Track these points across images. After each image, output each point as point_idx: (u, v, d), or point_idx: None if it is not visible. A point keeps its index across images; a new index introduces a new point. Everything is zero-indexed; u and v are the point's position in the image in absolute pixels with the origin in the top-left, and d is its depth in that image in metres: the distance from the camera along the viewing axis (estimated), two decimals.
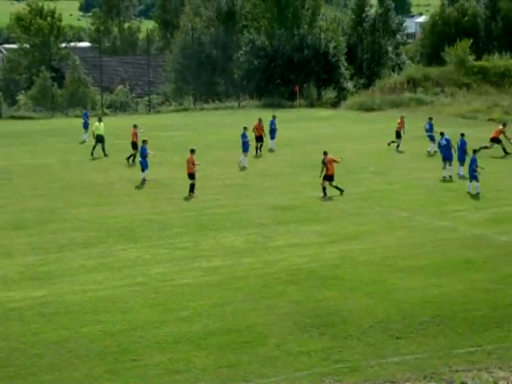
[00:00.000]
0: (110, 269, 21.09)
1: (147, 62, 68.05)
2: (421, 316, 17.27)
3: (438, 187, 31.39)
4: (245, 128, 37.01)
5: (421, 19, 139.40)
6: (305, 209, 27.90)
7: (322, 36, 67.48)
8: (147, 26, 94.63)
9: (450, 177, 32.76)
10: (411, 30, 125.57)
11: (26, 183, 33.40)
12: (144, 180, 32.79)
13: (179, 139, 44.79)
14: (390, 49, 74.84)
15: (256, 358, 15.26)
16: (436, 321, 17.01)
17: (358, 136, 46.17)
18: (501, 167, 33.77)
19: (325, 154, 29.95)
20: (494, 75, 65.23)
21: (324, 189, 29.62)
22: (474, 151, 29.93)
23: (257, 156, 38.88)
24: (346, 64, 69.03)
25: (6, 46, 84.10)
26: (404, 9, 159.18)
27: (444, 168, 32.97)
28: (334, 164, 29.90)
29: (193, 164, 30.20)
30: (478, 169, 29.24)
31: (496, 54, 70.08)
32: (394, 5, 77.29)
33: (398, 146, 40.30)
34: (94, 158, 39.10)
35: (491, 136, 38.56)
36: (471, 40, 67.78)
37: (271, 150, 40.77)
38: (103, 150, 39.83)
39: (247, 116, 52.91)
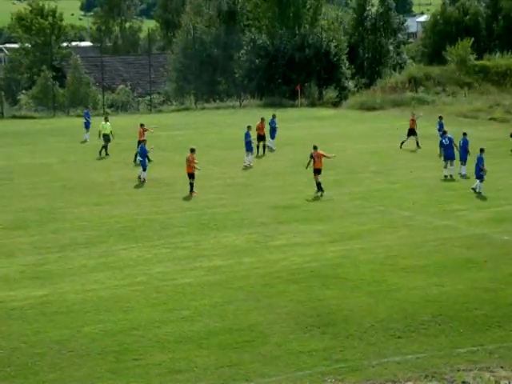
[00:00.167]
0: (111, 268, 21.10)
1: (148, 61, 68.05)
2: (422, 315, 17.27)
3: (439, 186, 31.37)
4: (248, 127, 37.02)
5: (422, 18, 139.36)
6: (306, 208, 27.90)
7: (324, 35, 67.44)
8: (148, 25, 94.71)
9: (451, 176, 32.75)
10: (412, 30, 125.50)
11: (26, 183, 33.41)
12: (144, 180, 32.79)
13: (180, 138, 44.79)
14: (391, 48, 74.82)
15: (257, 358, 15.26)
16: (437, 320, 17.01)
17: (359, 135, 46.15)
18: (502, 167, 33.74)
19: (314, 148, 30.12)
20: (495, 74, 65.21)
21: (319, 184, 29.62)
22: (481, 150, 29.86)
23: (258, 155, 38.87)
24: (347, 63, 68.98)
25: (8, 45, 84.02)
26: (405, 8, 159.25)
27: (445, 167, 32.96)
28: (323, 159, 29.95)
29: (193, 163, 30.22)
30: (485, 168, 29.21)
31: (497, 53, 70.05)
32: (395, 4, 77.30)
33: (402, 143, 40.21)
34: (101, 158, 39.07)
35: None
36: (472, 39, 67.76)
37: (271, 150, 40.76)
38: (107, 148, 39.77)
39: (248, 115, 52.91)
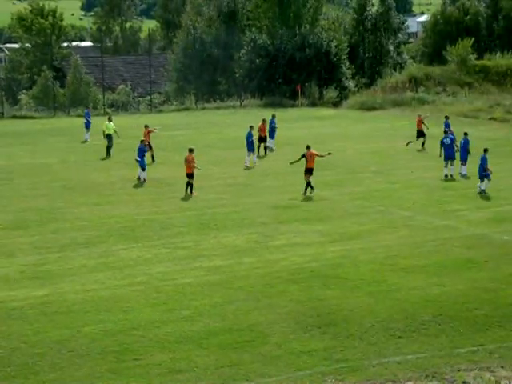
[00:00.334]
0: (111, 268, 21.10)
1: (149, 61, 68.05)
2: (422, 315, 17.26)
3: (439, 186, 31.37)
4: (251, 127, 37.04)
5: (422, 18, 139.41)
6: (306, 208, 27.90)
7: (324, 35, 67.43)
8: (149, 25, 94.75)
9: (452, 176, 32.74)
10: (413, 29, 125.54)
11: (26, 183, 33.41)
12: (144, 180, 32.79)
13: (181, 138, 44.77)
14: (391, 48, 74.81)
15: (257, 358, 15.26)
16: (437, 320, 17.00)
17: (359, 135, 46.15)
18: (502, 167, 33.72)
19: (307, 148, 30.11)
20: (495, 74, 65.21)
21: (308, 183, 29.64)
22: (485, 150, 29.78)
23: (259, 156, 38.84)
24: (347, 63, 68.96)
25: (8, 45, 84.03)
26: (405, 8, 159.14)
27: (446, 167, 32.96)
28: (317, 158, 29.94)
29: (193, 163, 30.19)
30: (489, 168, 29.16)
31: (498, 53, 70.04)
32: (395, 4, 77.30)
33: (409, 143, 40.19)
34: (109, 157, 39.08)
35: None
36: (473, 39, 67.75)
37: (271, 150, 40.75)
38: (109, 150, 39.78)
39: (249, 115, 52.93)
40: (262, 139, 39.55)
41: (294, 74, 65.48)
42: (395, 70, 72.03)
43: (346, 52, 68.76)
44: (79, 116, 54.28)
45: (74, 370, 14.85)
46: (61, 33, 73.62)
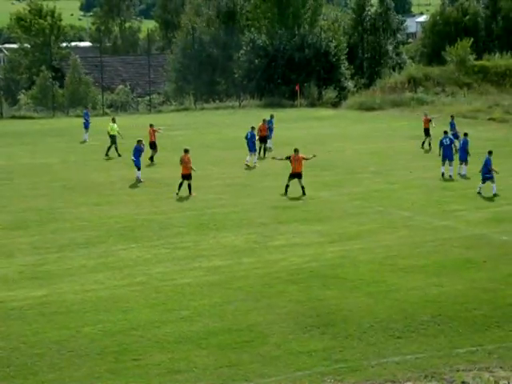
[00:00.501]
0: (110, 268, 21.10)
1: (148, 61, 68.12)
2: (421, 315, 17.27)
3: (438, 187, 31.39)
4: (252, 128, 37.11)
5: (421, 19, 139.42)
6: (305, 208, 27.91)
7: (323, 35, 67.50)
8: (148, 25, 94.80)
9: (451, 176, 32.76)
10: (412, 30, 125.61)
11: (26, 183, 33.42)
12: (139, 179, 32.82)
13: (180, 139, 44.79)
14: (390, 48, 74.90)
15: (257, 358, 15.26)
16: (437, 320, 17.01)
17: (358, 136, 46.17)
18: (501, 167, 33.71)
19: (295, 151, 29.98)
20: (494, 75, 65.28)
21: (287, 187, 29.55)
22: (489, 152, 29.75)
23: (260, 156, 38.81)
24: (346, 63, 69.05)
25: (7, 45, 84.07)
26: (404, 8, 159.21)
27: (443, 166, 32.99)
28: (304, 162, 29.86)
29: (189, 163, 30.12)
30: (492, 170, 29.13)
31: (496, 54, 70.12)
32: (394, 4, 77.36)
33: (423, 143, 40.27)
34: (118, 156, 39.13)
35: None
36: (472, 39, 67.83)
37: (269, 150, 40.76)
38: (110, 149, 39.78)
39: (248, 116, 52.97)
40: (262, 139, 39.58)
41: (293, 74, 65.54)
42: (394, 70, 72.12)
43: (345, 52, 68.84)
44: (78, 116, 54.31)
45: (73, 371, 14.85)
46: (60, 33, 73.62)
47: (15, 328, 16.97)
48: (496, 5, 79.28)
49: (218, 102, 64.15)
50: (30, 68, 69.91)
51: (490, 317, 17.19)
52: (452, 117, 40.86)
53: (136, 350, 15.67)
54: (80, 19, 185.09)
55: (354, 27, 75.11)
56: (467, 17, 78.26)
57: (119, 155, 39.34)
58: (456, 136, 38.46)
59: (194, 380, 14.44)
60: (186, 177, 30.19)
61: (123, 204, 28.99)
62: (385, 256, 21.76)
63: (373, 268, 20.71)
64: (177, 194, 29.92)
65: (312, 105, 63.47)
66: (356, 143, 42.90)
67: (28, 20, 71.74)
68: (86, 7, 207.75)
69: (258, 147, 38.36)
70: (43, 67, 64.72)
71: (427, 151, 39.65)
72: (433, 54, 76.20)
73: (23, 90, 67.27)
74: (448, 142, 33.38)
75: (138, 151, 33.16)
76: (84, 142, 45.14)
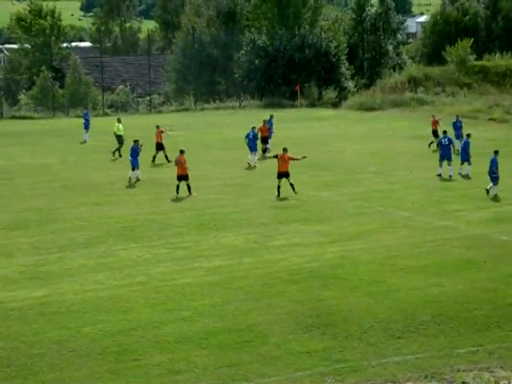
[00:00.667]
0: (110, 268, 21.09)
1: (148, 61, 68.12)
2: (422, 316, 17.26)
3: (438, 187, 31.37)
4: (253, 128, 37.11)
5: (422, 19, 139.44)
6: (305, 208, 27.89)
7: (323, 36, 67.48)
8: (148, 25, 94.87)
9: (451, 176, 32.74)
10: (412, 30, 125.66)
11: (26, 183, 33.42)
12: (130, 178, 32.83)
13: (180, 139, 44.68)
14: (390, 48, 74.88)
15: (257, 358, 15.26)
16: (437, 320, 17.00)
17: (358, 136, 46.15)
18: (502, 167, 33.70)
19: (284, 150, 29.76)
20: (494, 75, 65.26)
21: (278, 187, 29.48)
22: (495, 152, 29.58)
23: (260, 157, 38.77)
24: (346, 64, 69.03)
25: (7, 46, 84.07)
26: (405, 8, 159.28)
27: (440, 166, 32.97)
28: (292, 162, 29.65)
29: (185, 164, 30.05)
30: (498, 171, 29.04)
31: (497, 54, 70.11)
32: (394, 4, 77.36)
33: (431, 143, 40.20)
34: (116, 157, 39.10)
35: None
36: (472, 39, 67.81)
37: (268, 150, 40.69)
38: (116, 150, 39.73)
39: (248, 116, 52.95)
40: (263, 140, 39.56)
41: (294, 74, 65.52)
42: (394, 70, 72.09)
43: (346, 52, 68.82)
44: (78, 116, 54.26)
45: (73, 371, 14.85)
46: (60, 33, 73.61)
47: (15, 328, 16.96)
48: (496, 5, 79.27)
49: (218, 102, 64.15)
50: (31, 68, 69.90)
51: (490, 317, 17.18)
52: (457, 116, 40.75)
53: (136, 350, 15.66)
54: (80, 19, 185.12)
55: (354, 27, 75.10)
56: (467, 17, 78.24)
57: (120, 156, 39.32)
58: (458, 136, 38.45)
59: (195, 380, 14.43)
60: (183, 177, 30.11)
61: (123, 204, 28.98)
62: (385, 256, 21.75)
63: (373, 268, 20.70)
64: (176, 196, 29.90)
65: (312, 105, 63.46)
66: (356, 143, 42.89)
67: (28, 20, 71.72)
68: (86, 7, 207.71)
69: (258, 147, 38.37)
70: (43, 67, 64.70)
71: (435, 151, 39.60)
72: (433, 54, 76.16)
73: (23, 91, 67.26)
74: (447, 142, 33.37)
75: (134, 151, 33.15)
76: (84, 142, 45.13)
